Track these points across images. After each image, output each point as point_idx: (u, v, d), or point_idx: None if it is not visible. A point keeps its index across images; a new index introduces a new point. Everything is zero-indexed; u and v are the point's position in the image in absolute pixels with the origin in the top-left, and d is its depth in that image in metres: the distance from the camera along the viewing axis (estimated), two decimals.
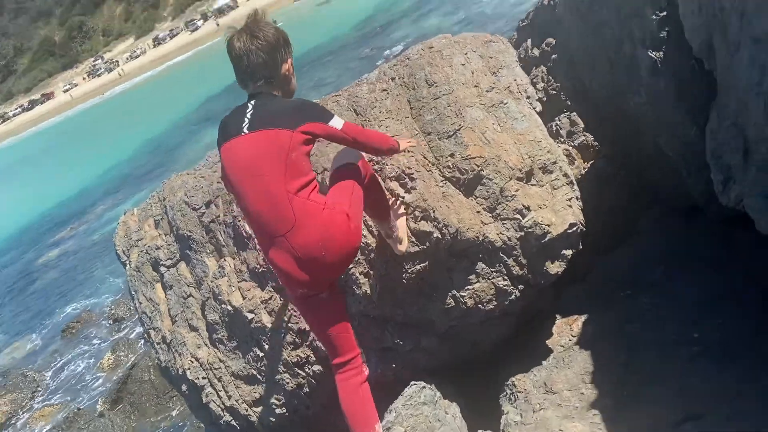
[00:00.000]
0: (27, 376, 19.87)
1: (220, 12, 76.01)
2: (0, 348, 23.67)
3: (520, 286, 3.96)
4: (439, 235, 3.67)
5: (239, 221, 4.43)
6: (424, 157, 3.89)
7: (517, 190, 3.84)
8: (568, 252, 3.98)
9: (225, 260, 4.58)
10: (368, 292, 3.84)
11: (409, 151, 3.83)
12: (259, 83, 2.85)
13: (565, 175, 4.06)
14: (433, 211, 3.67)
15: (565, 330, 4.60)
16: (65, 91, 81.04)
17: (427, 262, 3.76)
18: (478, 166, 3.81)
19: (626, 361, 3.78)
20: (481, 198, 3.85)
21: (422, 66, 4.17)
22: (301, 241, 2.70)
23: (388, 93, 4.22)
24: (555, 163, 4.02)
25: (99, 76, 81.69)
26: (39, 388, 19.33)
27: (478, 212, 3.84)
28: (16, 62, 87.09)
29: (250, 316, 4.23)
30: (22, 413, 18.52)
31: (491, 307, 3.94)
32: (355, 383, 3.22)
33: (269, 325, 4.16)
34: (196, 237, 4.81)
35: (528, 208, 3.81)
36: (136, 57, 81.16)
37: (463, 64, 4.21)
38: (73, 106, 78.03)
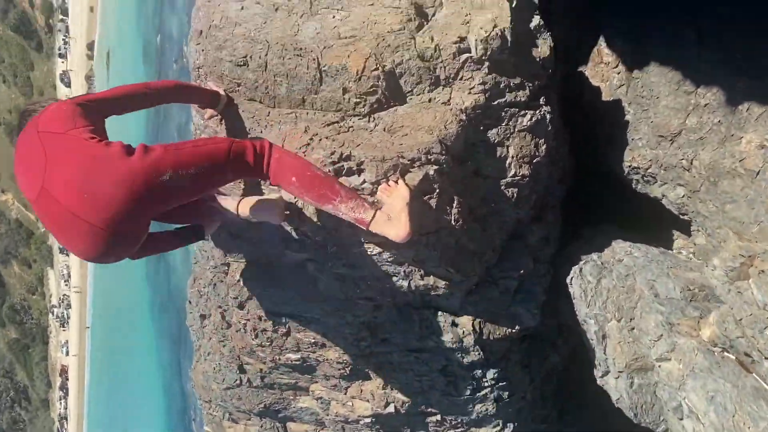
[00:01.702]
0: None
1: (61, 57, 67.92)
2: None
3: (542, 99, 2.99)
4: (435, 166, 2.70)
5: None
6: (328, 125, 2.86)
7: (431, 39, 2.80)
8: (536, 19, 2.96)
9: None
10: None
11: None
12: None
13: None
14: (401, 157, 2.69)
15: (601, 71, 3.63)
16: (68, 354, 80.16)
17: (455, 197, 2.81)
18: (375, 68, 2.78)
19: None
20: (416, 86, 2.84)
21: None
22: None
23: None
24: None
25: (68, 318, 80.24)
26: None
27: (430, 101, 2.84)
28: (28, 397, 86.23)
29: None
30: None
31: (543, 147, 3.01)
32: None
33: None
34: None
35: (462, 39, 2.77)
36: (68, 274, 79.14)
37: None
38: (83, 365, 77.54)
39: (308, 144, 2.83)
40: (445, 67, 2.80)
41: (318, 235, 2.94)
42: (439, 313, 3.15)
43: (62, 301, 79.98)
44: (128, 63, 53.26)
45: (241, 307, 3.54)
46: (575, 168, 3.72)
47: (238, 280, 3.42)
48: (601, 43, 3.59)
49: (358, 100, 2.84)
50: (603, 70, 3.59)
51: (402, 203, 2.55)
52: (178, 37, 43.49)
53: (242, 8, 3.08)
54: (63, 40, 68.44)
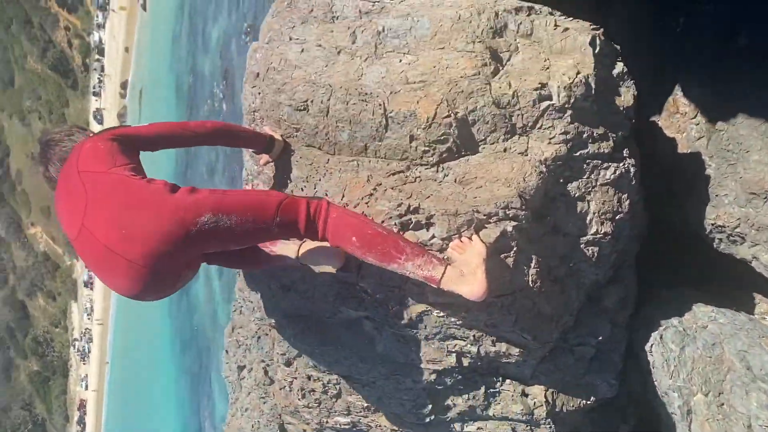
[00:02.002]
0: None
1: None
2: None
3: (625, 151, 2.77)
4: (513, 222, 2.48)
5: None
6: (393, 175, 2.66)
7: (509, 85, 2.61)
8: (620, 66, 2.76)
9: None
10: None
11: None
12: None
13: (517, 10, 2.82)
14: (476, 211, 2.47)
15: (677, 122, 3.42)
16: (87, 388, 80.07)
17: (533, 256, 2.58)
18: (447, 115, 2.59)
19: None
20: (490, 135, 2.63)
21: (273, 100, 2.91)
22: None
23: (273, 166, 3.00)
24: (497, 15, 2.77)
25: (89, 352, 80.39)
26: None
27: (505, 151, 2.63)
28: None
29: None
30: None
31: (627, 203, 2.78)
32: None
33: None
34: None
35: (542, 85, 2.58)
36: (91, 307, 79.59)
37: (292, 38, 2.98)
38: (101, 400, 77.04)
39: (371, 194, 2.63)
40: (522, 115, 2.60)
41: (379, 293, 2.72)
42: (507, 381, 2.88)
43: (84, 335, 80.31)
44: (161, 101, 54.53)
45: (288, 364, 3.30)
46: (649, 223, 3.48)
47: (287, 335, 3.20)
48: (677, 92, 3.38)
49: (426, 148, 2.64)
50: (679, 120, 3.38)
51: (478, 259, 2.32)
52: (210, 78, 44.47)
53: (302, 51, 2.94)
54: (98, 78, 70.48)
